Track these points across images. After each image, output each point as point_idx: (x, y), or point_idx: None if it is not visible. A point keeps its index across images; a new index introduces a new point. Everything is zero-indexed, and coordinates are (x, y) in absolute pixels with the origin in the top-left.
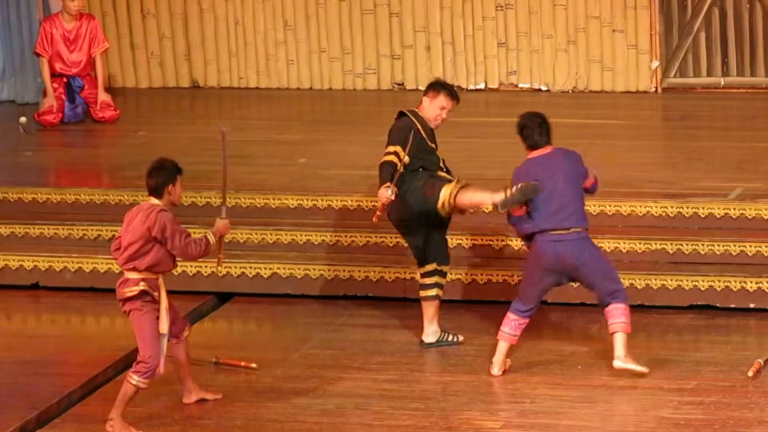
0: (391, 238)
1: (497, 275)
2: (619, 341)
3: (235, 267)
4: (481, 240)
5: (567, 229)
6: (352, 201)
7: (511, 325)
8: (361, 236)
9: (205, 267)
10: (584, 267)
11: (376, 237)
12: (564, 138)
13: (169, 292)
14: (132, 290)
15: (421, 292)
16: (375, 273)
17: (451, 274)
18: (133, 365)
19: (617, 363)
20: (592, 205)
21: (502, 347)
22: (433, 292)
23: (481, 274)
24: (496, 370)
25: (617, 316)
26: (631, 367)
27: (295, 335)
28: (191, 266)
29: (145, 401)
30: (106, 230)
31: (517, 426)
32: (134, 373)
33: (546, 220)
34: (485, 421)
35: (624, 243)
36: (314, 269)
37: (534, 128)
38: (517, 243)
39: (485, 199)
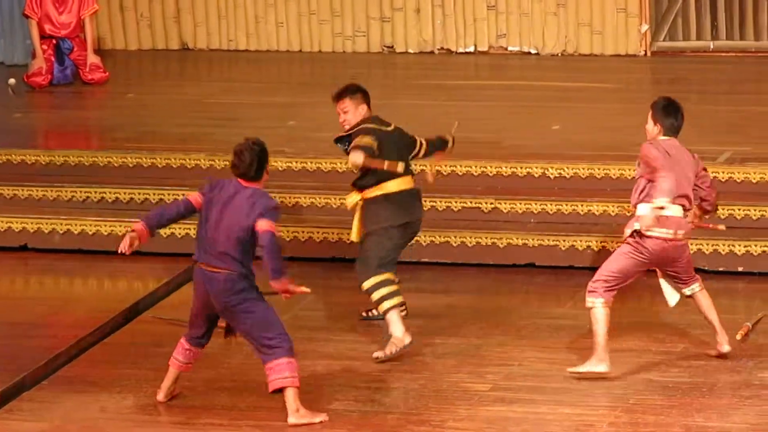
0: None
1: (486, 238)
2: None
3: None
4: (470, 203)
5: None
6: (341, 163)
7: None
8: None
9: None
10: None
11: None
12: (553, 101)
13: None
14: None
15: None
16: None
17: (440, 237)
18: None
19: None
20: (581, 168)
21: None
22: None
23: (470, 237)
24: (161, 396)
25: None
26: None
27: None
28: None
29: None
30: (95, 192)
31: (505, 388)
32: None
33: None
34: (473, 383)
35: (612, 206)
36: (303, 232)
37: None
38: (506, 206)
39: None
